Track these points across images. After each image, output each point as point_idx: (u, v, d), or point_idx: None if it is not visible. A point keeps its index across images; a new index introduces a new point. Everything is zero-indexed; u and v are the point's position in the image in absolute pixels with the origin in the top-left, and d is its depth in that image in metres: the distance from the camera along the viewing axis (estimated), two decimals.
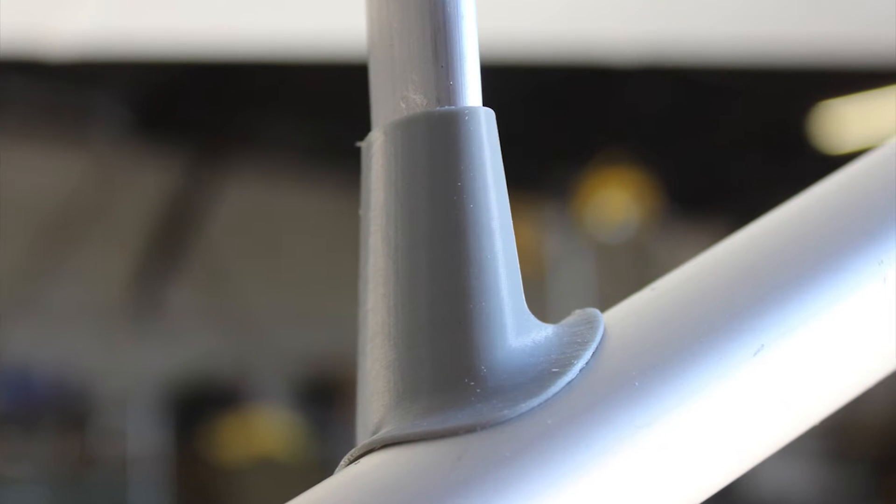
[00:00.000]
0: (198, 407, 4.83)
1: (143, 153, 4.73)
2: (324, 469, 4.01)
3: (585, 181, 4.97)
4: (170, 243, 4.87)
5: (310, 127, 4.71)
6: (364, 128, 0.36)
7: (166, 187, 4.86)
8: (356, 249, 0.35)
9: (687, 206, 5.74)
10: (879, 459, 5.57)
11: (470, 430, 0.30)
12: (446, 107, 0.33)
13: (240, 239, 5.09)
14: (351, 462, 0.32)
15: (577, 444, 0.30)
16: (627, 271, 5.52)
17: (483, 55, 0.34)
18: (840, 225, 0.35)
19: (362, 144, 0.35)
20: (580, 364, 0.32)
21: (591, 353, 0.32)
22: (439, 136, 0.33)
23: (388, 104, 0.34)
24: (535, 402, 0.31)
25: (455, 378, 0.31)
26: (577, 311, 0.34)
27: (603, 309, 0.34)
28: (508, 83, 3.53)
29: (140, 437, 4.69)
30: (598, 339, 0.32)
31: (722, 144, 5.03)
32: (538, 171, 4.87)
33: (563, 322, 0.34)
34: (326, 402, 5.01)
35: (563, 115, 4.56)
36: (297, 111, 4.57)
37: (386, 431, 0.31)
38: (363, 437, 0.33)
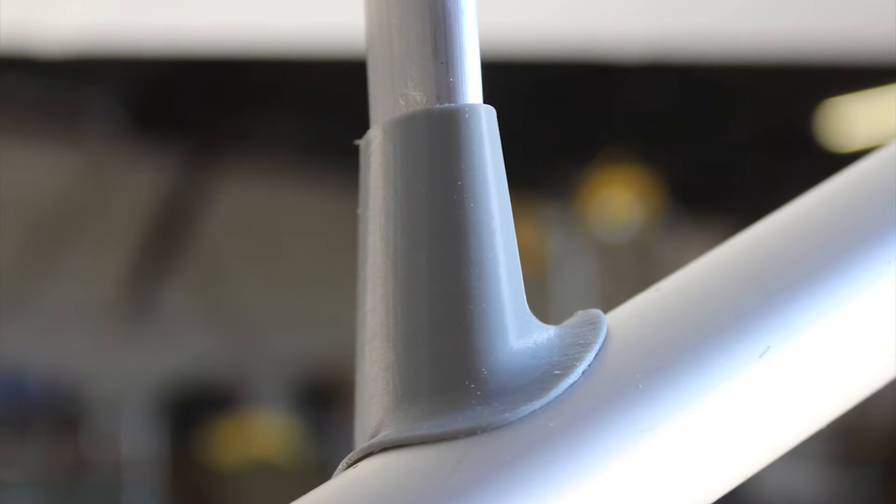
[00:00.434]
0: (193, 410, 4.83)
1: (138, 151, 4.73)
2: (321, 473, 4.01)
3: (588, 180, 4.97)
4: (165, 243, 4.87)
5: (307, 125, 4.71)
6: (362, 125, 0.36)
7: (161, 186, 4.86)
8: (354, 249, 0.35)
9: (691, 206, 5.74)
10: (887, 463, 5.57)
11: (470, 433, 0.30)
12: (446, 104, 0.33)
13: (236, 239, 5.09)
14: (349, 466, 0.32)
15: (580, 447, 0.30)
16: (631, 271, 5.52)
17: (484, 51, 0.34)
18: (847, 224, 0.35)
19: (361, 142, 0.35)
20: (582, 366, 0.32)
21: (593, 355, 0.32)
22: (439, 133, 0.33)
23: (387, 101, 0.34)
24: (536, 404, 0.31)
25: (455, 380, 0.31)
26: (580, 312, 0.34)
27: (606, 310, 0.34)
28: (509, 80, 3.53)
29: (134, 440, 4.69)
30: (600, 340, 0.32)
31: (727, 142, 5.03)
32: (540, 170, 4.87)
33: (566, 323, 0.34)
34: (324, 404, 5.01)
35: (565, 113, 4.56)
36: (294, 108, 4.57)
37: (385, 435, 0.31)
38: (361, 441, 0.33)
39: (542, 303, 4.81)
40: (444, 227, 0.32)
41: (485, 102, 0.33)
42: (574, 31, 2.27)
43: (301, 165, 5.10)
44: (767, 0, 2.17)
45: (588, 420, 0.30)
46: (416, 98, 0.33)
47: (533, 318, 0.33)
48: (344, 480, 0.31)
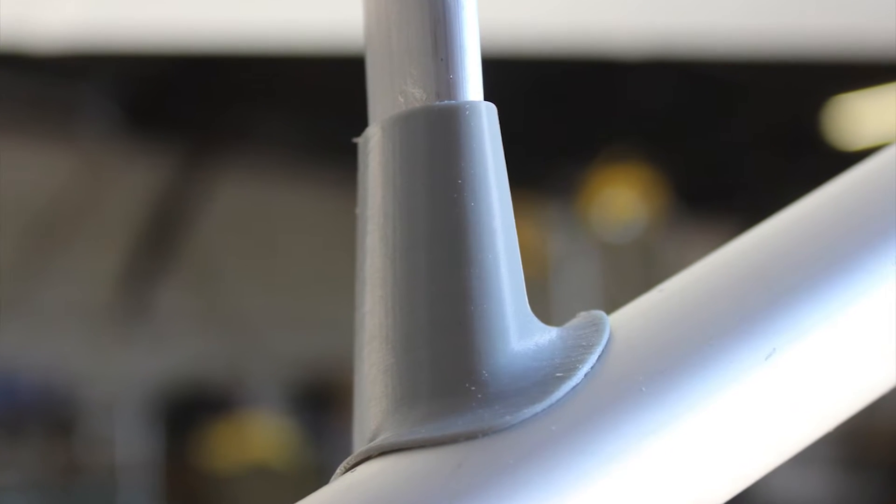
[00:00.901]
0: (189, 412, 4.83)
1: (133, 149, 4.73)
2: (319, 477, 4.01)
3: (590, 178, 4.97)
4: (160, 243, 4.87)
5: (305, 122, 4.71)
6: (361, 123, 0.36)
7: (156, 185, 4.86)
8: (353, 249, 0.35)
9: (695, 205, 5.74)
10: (895, 467, 5.57)
11: (471, 436, 0.30)
12: (446, 101, 0.33)
13: (232, 238, 5.09)
14: (347, 470, 0.32)
15: (582, 451, 0.30)
16: (634, 272, 5.52)
17: (484, 48, 0.34)
18: (854, 224, 0.35)
19: (359, 140, 0.35)
20: (585, 368, 0.32)
21: (596, 358, 0.32)
22: (439, 131, 0.33)
23: (386, 98, 0.34)
24: (538, 407, 0.30)
25: (455, 383, 0.31)
26: (582, 314, 0.34)
27: (609, 311, 0.34)
28: (510, 77, 3.53)
29: (129, 443, 4.69)
30: (603, 342, 0.32)
31: (732, 141, 5.03)
32: (541, 168, 4.87)
33: (568, 325, 0.34)
34: (322, 407, 5.01)
35: (567, 110, 4.56)
36: (291, 106, 4.57)
37: (384, 438, 0.31)
38: (360, 444, 0.33)
39: (544, 304, 4.81)
40: (443, 227, 0.32)
41: (485, 99, 0.33)
42: (576, 27, 2.27)
43: (299, 164, 5.10)
44: None
45: (591, 423, 0.30)
46: (416, 95, 0.33)
47: (534, 319, 0.33)
48: (342, 485, 0.31)
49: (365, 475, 0.31)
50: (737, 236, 0.36)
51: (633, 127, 4.85)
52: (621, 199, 4.96)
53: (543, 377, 0.31)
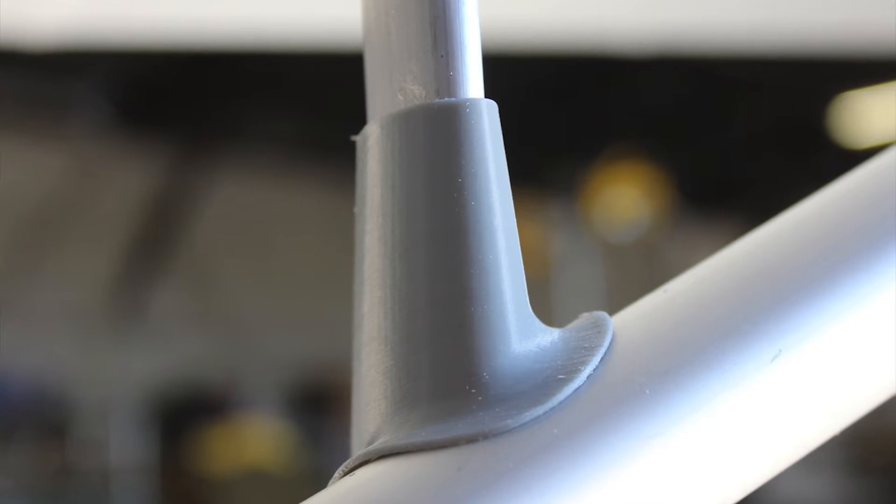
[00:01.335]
0: (184, 415, 4.83)
1: (126, 148, 4.73)
2: (317, 481, 4.01)
3: (593, 177, 4.97)
4: (154, 243, 4.87)
5: (302, 120, 4.71)
6: (359, 121, 0.36)
7: (151, 184, 4.86)
8: (351, 249, 0.35)
9: (700, 204, 5.74)
10: None
11: (471, 440, 0.30)
12: (446, 98, 0.33)
13: (228, 238, 5.09)
14: (345, 474, 0.32)
15: (585, 455, 0.30)
16: (637, 272, 5.52)
17: (485, 44, 0.34)
18: (862, 223, 0.35)
19: (357, 138, 0.35)
20: (587, 370, 0.32)
21: (598, 359, 0.32)
22: (439, 129, 0.33)
23: (385, 96, 0.34)
24: (539, 410, 0.31)
25: (455, 385, 0.31)
26: (585, 315, 0.34)
27: (611, 312, 0.34)
28: (512, 73, 3.53)
29: (123, 447, 4.69)
30: (606, 344, 0.32)
31: (737, 139, 5.03)
32: (543, 167, 4.87)
33: (570, 326, 0.34)
34: (320, 410, 5.01)
35: (569, 108, 4.56)
36: (288, 103, 4.57)
37: (382, 441, 0.31)
38: (358, 448, 0.33)
39: (546, 305, 4.81)
40: (443, 226, 0.32)
41: (486, 97, 0.33)
42: (578, 23, 2.27)
43: (296, 162, 5.10)
44: None
45: (593, 426, 0.30)
46: (415, 92, 0.33)
47: (536, 320, 0.33)
48: (340, 489, 0.31)
49: (364, 479, 0.31)
50: (742, 236, 0.36)
51: (637, 125, 4.84)
52: (624, 198, 4.96)
53: (545, 379, 0.31)
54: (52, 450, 4.52)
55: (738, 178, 5.58)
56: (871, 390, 0.35)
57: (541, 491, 0.29)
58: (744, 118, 4.81)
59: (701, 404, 0.31)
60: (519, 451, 0.30)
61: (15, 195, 4.55)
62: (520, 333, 0.32)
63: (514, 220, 0.33)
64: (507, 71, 3.35)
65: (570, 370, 0.32)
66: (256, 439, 4.81)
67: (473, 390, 0.31)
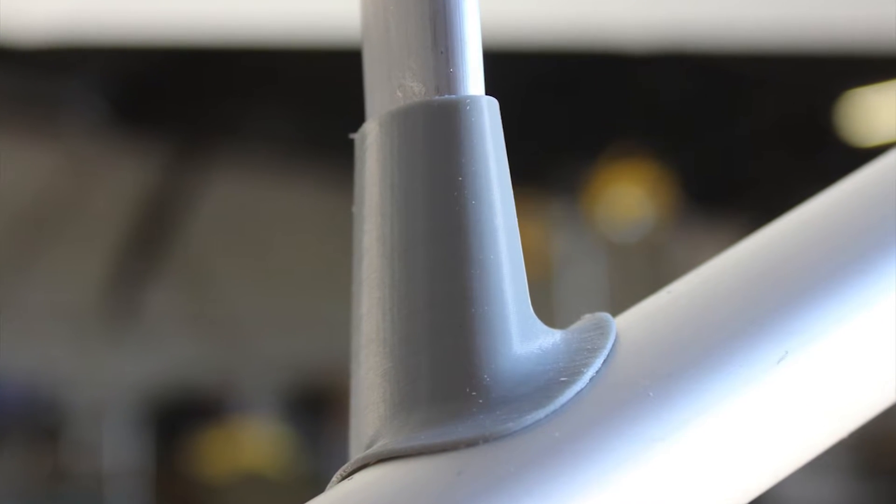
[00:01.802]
0: (179, 418, 4.83)
1: (121, 146, 4.73)
2: (314, 485, 4.01)
3: (596, 175, 4.97)
4: (149, 243, 4.87)
5: (299, 118, 4.71)
6: (358, 118, 0.36)
7: (145, 183, 4.86)
8: (349, 249, 0.35)
9: (705, 203, 5.74)
10: None
11: (471, 443, 0.30)
12: (446, 95, 0.33)
13: (224, 238, 5.09)
14: (343, 478, 0.32)
15: (587, 458, 0.30)
16: (641, 273, 5.52)
17: (486, 40, 0.34)
18: (870, 222, 0.35)
19: (356, 136, 0.35)
20: (590, 373, 0.32)
21: (601, 361, 0.32)
22: (438, 127, 0.33)
23: (384, 93, 0.34)
24: (541, 413, 0.31)
25: (455, 388, 0.31)
26: (587, 316, 0.34)
27: (615, 313, 0.34)
28: (513, 70, 3.53)
29: (117, 450, 4.69)
30: (609, 345, 0.32)
31: (743, 136, 5.03)
32: (545, 165, 4.87)
33: (572, 327, 0.34)
34: (317, 413, 5.01)
35: (571, 105, 4.56)
36: (285, 101, 4.57)
37: (381, 445, 0.31)
38: (357, 452, 0.33)
39: (548, 306, 4.81)
40: (443, 226, 0.32)
41: (487, 94, 0.33)
42: (580, 19, 2.27)
43: (293, 161, 5.10)
44: None
45: (596, 430, 0.30)
46: (415, 89, 0.33)
47: (538, 321, 0.33)
48: (338, 493, 0.31)
49: (362, 483, 0.31)
50: (747, 235, 0.36)
51: (640, 122, 4.84)
52: (628, 196, 4.96)
53: (547, 382, 0.31)
54: (44, 453, 4.53)
55: (744, 177, 5.58)
56: (878, 393, 0.35)
57: (542, 495, 0.29)
58: (749, 116, 4.81)
59: (706, 407, 0.31)
60: (520, 454, 0.30)
61: (7, 194, 4.55)
62: (521, 335, 0.32)
63: (516, 219, 0.33)
64: (509, 67, 3.35)
65: (573, 372, 0.32)
66: (253, 443, 4.81)
67: (474, 393, 0.31)
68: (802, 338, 0.32)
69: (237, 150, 4.97)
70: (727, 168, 5.46)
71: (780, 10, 2.23)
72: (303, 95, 4.44)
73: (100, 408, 4.75)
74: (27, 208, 4.60)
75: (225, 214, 5.07)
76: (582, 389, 0.31)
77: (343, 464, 0.32)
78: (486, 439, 0.30)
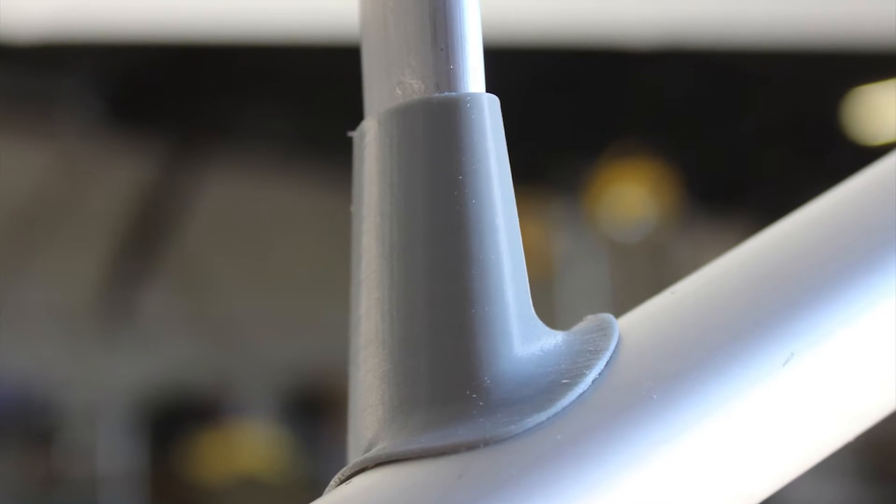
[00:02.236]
0: (175, 421, 4.83)
1: (115, 144, 4.73)
2: (312, 490, 4.01)
3: (598, 174, 4.97)
4: (144, 243, 4.87)
5: (297, 115, 4.71)
6: (356, 116, 0.36)
7: (141, 182, 4.86)
8: (347, 249, 0.35)
9: (709, 202, 5.73)
10: None
11: (472, 446, 0.30)
12: (446, 93, 0.33)
13: (221, 238, 5.09)
14: (342, 482, 0.32)
15: (590, 462, 0.30)
16: (644, 273, 5.52)
17: (487, 37, 0.34)
18: (878, 222, 0.35)
19: (354, 134, 0.35)
20: (592, 375, 0.32)
21: (604, 363, 0.32)
22: (438, 124, 0.33)
23: (383, 90, 0.34)
24: (543, 416, 0.31)
25: (456, 390, 0.31)
26: (590, 317, 0.34)
27: (617, 314, 0.34)
28: (514, 67, 3.53)
29: (111, 454, 4.69)
30: (612, 347, 0.32)
31: (748, 135, 5.03)
32: (546, 164, 4.87)
33: (574, 329, 0.34)
34: (315, 416, 5.01)
35: (574, 103, 4.56)
36: (283, 99, 4.57)
37: (380, 448, 0.31)
38: (355, 455, 0.33)
39: (549, 306, 4.81)
40: (443, 225, 0.32)
41: (488, 91, 0.33)
42: (583, 15, 2.27)
43: (291, 159, 5.10)
44: None
45: (598, 432, 0.30)
46: (414, 86, 0.33)
47: (539, 322, 0.33)
48: (336, 497, 0.31)
49: (360, 487, 0.31)
50: (753, 235, 0.36)
51: (644, 120, 4.84)
52: (631, 195, 4.96)
53: (548, 384, 0.31)
54: (37, 457, 4.52)
55: (749, 176, 5.58)
56: (885, 395, 0.35)
57: (544, 499, 0.29)
58: (754, 114, 4.81)
59: (710, 410, 0.31)
60: (521, 458, 0.30)
61: (0, 193, 4.55)
62: (522, 336, 0.32)
63: (517, 218, 0.33)
64: (510, 64, 3.35)
65: (575, 374, 0.32)
66: (249, 446, 4.81)
67: (474, 395, 0.31)
68: (808, 339, 0.32)
69: (234, 148, 4.98)
70: (732, 166, 5.46)
71: (785, 5, 2.23)
72: (300, 93, 4.44)
73: (94, 410, 4.75)
74: (20, 207, 4.60)
75: (222, 214, 5.07)
76: (584, 392, 0.31)
77: (341, 467, 0.32)
78: (486, 442, 0.30)
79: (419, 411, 0.31)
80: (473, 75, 0.33)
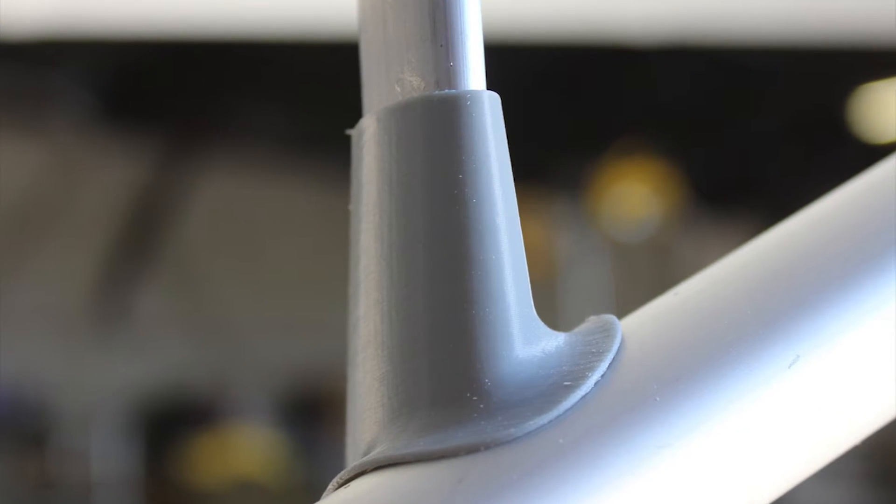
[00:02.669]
0: (170, 424, 4.83)
1: (110, 142, 4.73)
2: (310, 493, 4.00)
3: (601, 173, 4.96)
4: (139, 243, 4.87)
5: (295, 113, 4.71)
6: (355, 114, 0.36)
7: (135, 180, 4.86)
8: (346, 249, 0.35)
9: (713, 201, 5.73)
10: None
11: (472, 450, 0.30)
12: (446, 90, 0.33)
13: (217, 238, 5.09)
14: (340, 486, 0.32)
15: (592, 465, 0.30)
16: (647, 274, 5.52)
17: (487, 33, 0.34)
18: (884, 222, 0.35)
19: (353, 132, 0.35)
20: (595, 377, 0.32)
21: (607, 365, 0.32)
22: (438, 122, 0.33)
23: (382, 88, 0.34)
24: (544, 419, 0.30)
25: (456, 392, 0.31)
26: (592, 318, 0.34)
27: (620, 315, 0.34)
28: (515, 64, 3.53)
29: (106, 457, 4.69)
30: (614, 348, 0.32)
31: (753, 133, 5.03)
32: (548, 162, 4.86)
33: (576, 330, 0.34)
34: (313, 419, 5.01)
35: (576, 100, 4.56)
36: (280, 96, 4.57)
37: (379, 451, 0.31)
38: (354, 458, 0.33)
39: (551, 307, 4.81)
40: (443, 225, 0.32)
41: (488, 88, 0.33)
42: (586, 11, 2.27)
43: (288, 158, 5.10)
44: None
45: (601, 436, 0.30)
46: (414, 84, 0.33)
47: (541, 324, 0.33)
48: (334, 501, 0.31)
49: (359, 491, 0.31)
50: (758, 235, 0.36)
51: (647, 118, 4.84)
52: (634, 195, 4.96)
53: (550, 386, 0.31)
54: (30, 460, 4.52)
55: (754, 175, 5.58)
56: (892, 398, 0.35)
57: (546, 503, 0.29)
58: (760, 112, 4.81)
59: (714, 413, 0.31)
60: (523, 461, 0.30)
61: None
62: (523, 338, 0.32)
63: (518, 218, 0.33)
64: (511, 61, 3.35)
65: (577, 376, 0.32)
66: (246, 449, 4.81)
67: (475, 398, 0.31)
68: (814, 341, 0.32)
69: (230, 146, 4.97)
70: (736, 165, 5.46)
71: (789, 3, 2.24)
72: (297, 91, 4.44)
73: (88, 413, 4.75)
74: (13, 206, 4.60)
75: (218, 213, 5.07)
76: (587, 394, 0.31)
77: (339, 471, 0.32)
78: (487, 446, 0.30)
79: (419, 414, 0.31)
80: (474, 72, 0.33)
